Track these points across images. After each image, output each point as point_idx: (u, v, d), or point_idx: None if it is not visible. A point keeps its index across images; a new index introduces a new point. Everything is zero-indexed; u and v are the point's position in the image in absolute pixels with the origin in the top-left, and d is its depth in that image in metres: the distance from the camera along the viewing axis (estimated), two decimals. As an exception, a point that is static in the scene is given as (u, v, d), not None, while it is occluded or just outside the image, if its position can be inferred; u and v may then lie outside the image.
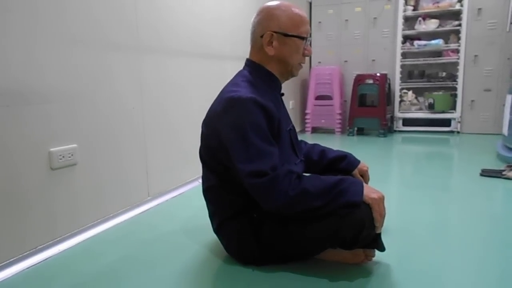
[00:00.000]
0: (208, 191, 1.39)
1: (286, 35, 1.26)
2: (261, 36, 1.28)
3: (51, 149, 1.49)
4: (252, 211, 1.29)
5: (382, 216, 1.17)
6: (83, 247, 1.56)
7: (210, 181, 1.36)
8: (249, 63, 1.35)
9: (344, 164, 1.53)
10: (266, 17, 1.28)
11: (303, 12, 1.30)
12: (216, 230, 1.40)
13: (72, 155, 1.57)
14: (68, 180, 1.57)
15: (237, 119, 1.17)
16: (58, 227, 1.54)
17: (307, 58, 1.39)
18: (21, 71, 1.37)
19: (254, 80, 1.29)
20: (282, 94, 1.41)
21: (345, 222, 1.15)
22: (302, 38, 1.28)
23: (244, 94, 1.19)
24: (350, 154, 1.57)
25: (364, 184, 1.20)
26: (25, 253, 1.40)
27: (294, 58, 1.30)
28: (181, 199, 2.19)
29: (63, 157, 1.54)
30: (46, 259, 1.44)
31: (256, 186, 1.15)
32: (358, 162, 1.56)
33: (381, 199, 1.18)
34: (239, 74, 1.34)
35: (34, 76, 1.42)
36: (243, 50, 2.91)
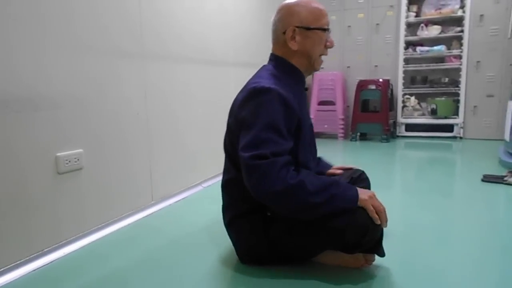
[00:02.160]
0: (227, 184, 1.39)
1: (308, 28, 1.29)
2: (284, 33, 1.31)
3: (58, 154, 1.52)
4: (266, 209, 1.30)
5: (381, 211, 1.19)
6: (88, 250, 1.59)
7: (230, 173, 1.36)
8: (273, 58, 1.38)
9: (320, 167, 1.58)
10: (286, 13, 1.31)
11: (321, 5, 1.33)
12: (228, 224, 1.41)
13: (78, 159, 1.61)
14: (74, 184, 1.60)
15: (256, 107, 1.20)
16: (64, 230, 1.57)
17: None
18: (30, 78, 1.41)
19: (278, 73, 1.31)
20: (306, 89, 1.43)
21: (350, 226, 1.17)
22: (324, 30, 1.31)
23: (267, 85, 1.21)
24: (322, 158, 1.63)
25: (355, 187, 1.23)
26: (32, 256, 1.43)
27: (317, 50, 1.33)
28: (184, 204, 2.21)
29: (69, 161, 1.57)
30: (52, 261, 1.47)
31: (254, 167, 1.13)
32: (330, 166, 1.62)
33: (371, 197, 1.20)
34: (263, 68, 1.37)
35: (43, 83, 1.45)
36: (246, 56, 2.95)
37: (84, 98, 1.63)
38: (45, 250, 1.48)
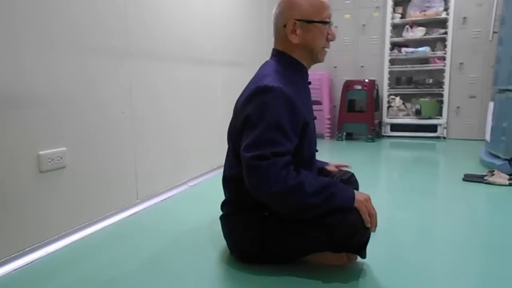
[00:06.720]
0: (230, 180, 1.37)
1: (309, 21, 1.28)
2: (284, 26, 1.29)
3: (40, 152, 1.50)
4: (264, 209, 1.29)
5: (373, 215, 1.21)
6: (71, 249, 1.57)
7: (234, 168, 1.33)
8: (276, 53, 1.37)
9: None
10: (287, 6, 1.29)
11: None
12: (224, 217, 1.41)
13: (61, 158, 1.59)
14: (56, 183, 1.58)
15: (260, 106, 1.19)
16: (46, 229, 1.55)
17: None
18: (10, 76, 1.38)
19: (282, 69, 1.30)
20: (309, 83, 1.42)
21: (341, 224, 1.19)
22: (325, 23, 1.30)
23: (271, 83, 1.21)
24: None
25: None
26: (13, 255, 1.41)
27: (319, 44, 1.32)
28: (170, 202, 2.21)
29: (52, 160, 1.55)
30: (33, 261, 1.45)
31: (255, 167, 1.14)
32: (324, 163, 1.64)
33: (367, 200, 1.22)
34: (266, 64, 1.36)
35: (24, 81, 1.43)
36: (233, 55, 2.95)
37: (67, 96, 1.61)
38: (26, 249, 1.46)
